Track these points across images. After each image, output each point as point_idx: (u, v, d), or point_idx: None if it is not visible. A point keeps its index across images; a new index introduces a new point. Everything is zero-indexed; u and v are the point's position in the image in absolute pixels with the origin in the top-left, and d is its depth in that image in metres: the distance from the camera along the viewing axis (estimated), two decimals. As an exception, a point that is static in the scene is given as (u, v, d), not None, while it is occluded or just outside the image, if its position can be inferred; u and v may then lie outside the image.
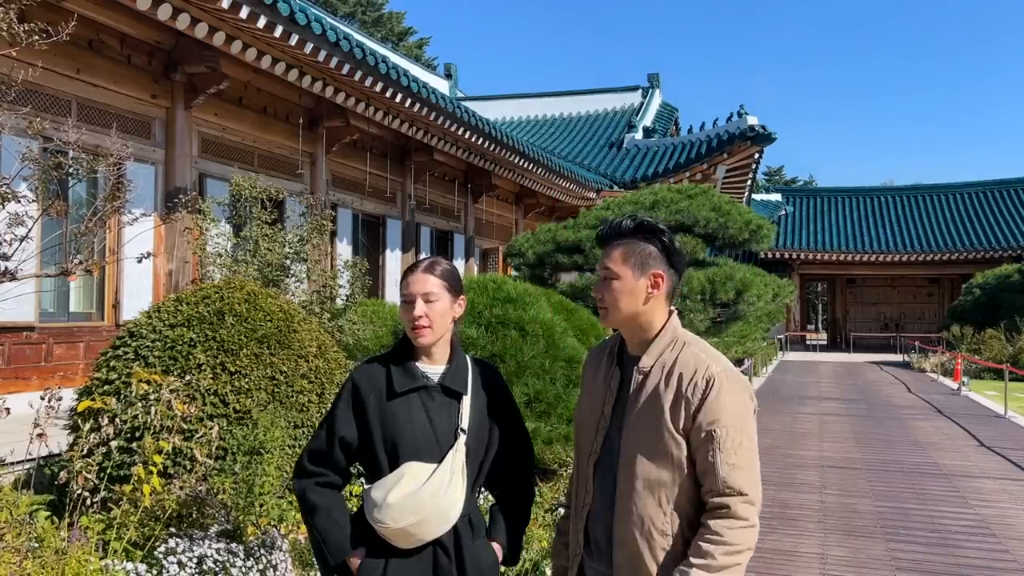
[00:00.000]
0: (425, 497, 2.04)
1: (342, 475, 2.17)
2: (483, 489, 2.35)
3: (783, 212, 34.09)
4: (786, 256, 31.49)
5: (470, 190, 16.56)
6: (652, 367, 2.01)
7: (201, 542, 3.61)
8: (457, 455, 2.11)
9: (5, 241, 4.04)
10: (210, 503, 3.96)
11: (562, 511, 2.35)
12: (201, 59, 8.73)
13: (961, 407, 13.76)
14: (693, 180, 18.73)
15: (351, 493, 4.73)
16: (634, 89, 28.81)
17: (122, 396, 4.21)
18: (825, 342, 36.46)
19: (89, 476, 3.69)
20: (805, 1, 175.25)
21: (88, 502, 3.69)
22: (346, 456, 2.15)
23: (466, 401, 2.16)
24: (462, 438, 2.12)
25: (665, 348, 2.02)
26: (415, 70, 20.05)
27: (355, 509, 2.23)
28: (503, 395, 2.27)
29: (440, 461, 2.09)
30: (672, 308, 2.10)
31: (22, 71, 4.37)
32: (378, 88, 10.13)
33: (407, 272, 2.19)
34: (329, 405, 2.18)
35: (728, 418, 1.91)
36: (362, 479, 3.14)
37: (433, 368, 2.18)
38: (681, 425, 1.92)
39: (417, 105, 11.07)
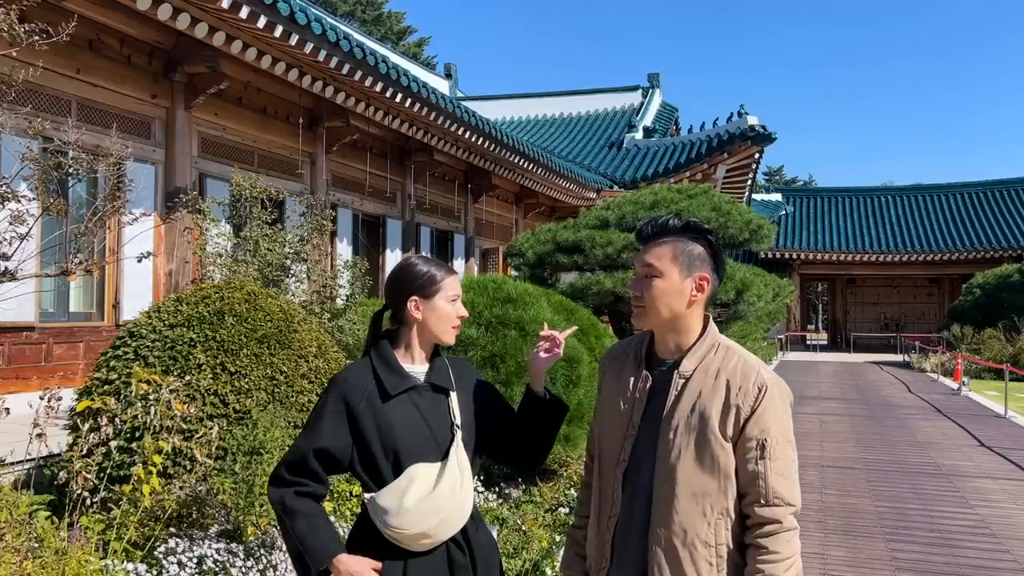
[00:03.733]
0: (443, 498, 2.03)
1: (322, 485, 2.12)
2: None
3: (783, 212, 34.07)
4: (786, 256, 31.47)
5: (470, 190, 16.55)
6: (694, 371, 1.95)
7: (201, 542, 3.61)
8: (460, 451, 2.11)
9: (5, 240, 4.04)
10: (210, 503, 3.96)
11: (573, 519, 2.31)
12: (201, 59, 8.72)
13: (961, 407, 13.76)
14: (693, 180, 18.72)
15: (351, 493, 4.73)
16: (634, 89, 28.79)
17: (122, 396, 4.21)
18: (825, 342, 36.44)
19: (89, 476, 3.68)
20: (805, 4, 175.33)
21: (88, 502, 3.69)
22: (327, 467, 2.10)
23: (454, 396, 2.18)
24: (459, 434, 2.13)
25: (707, 352, 1.96)
26: (415, 70, 20.05)
27: (356, 510, 2.22)
28: (481, 382, 2.31)
29: (443, 459, 2.08)
30: (707, 312, 2.04)
31: (22, 71, 4.36)
32: (378, 88, 10.13)
33: (449, 271, 2.21)
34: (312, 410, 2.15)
35: (777, 427, 1.90)
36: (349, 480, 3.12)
37: (417, 368, 2.18)
38: (729, 433, 1.88)
39: (417, 105, 11.07)
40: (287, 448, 4.37)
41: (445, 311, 2.17)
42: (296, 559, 2.09)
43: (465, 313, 2.23)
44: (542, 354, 2.22)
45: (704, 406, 1.90)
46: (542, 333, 2.24)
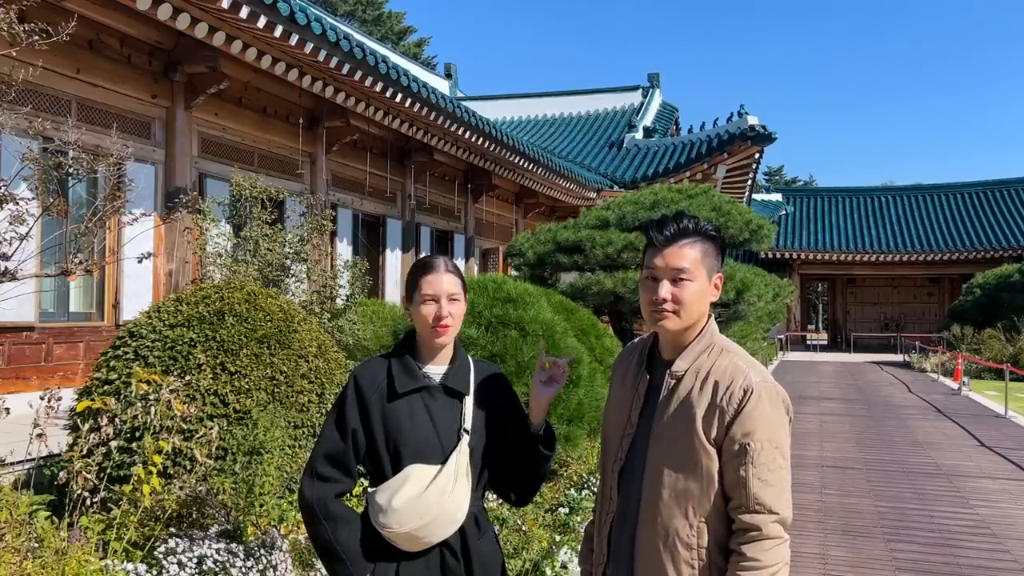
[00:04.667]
0: (431, 500, 2.02)
1: (353, 479, 2.13)
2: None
3: (783, 212, 34.07)
4: (786, 256, 31.48)
5: (470, 190, 16.55)
6: (686, 372, 1.93)
7: (201, 542, 3.61)
8: (461, 456, 2.09)
9: (5, 240, 4.04)
10: (210, 503, 3.95)
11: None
12: (201, 59, 8.72)
13: (961, 407, 13.76)
14: (693, 180, 18.72)
15: (351, 494, 4.72)
16: (634, 89, 28.80)
17: (122, 396, 4.21)
18: (825, 342, 36.44)
19: (89, 476, 3.68)
20: (806, 7, 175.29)
21: (88, 502, 3.69)
22: (357, 455, 2.10)
23: (468, 401, 2.14)
24: (465, 439, 2.10)
25: (701, 353, 1.95)
26: (415, 70, 20.05)
27: (358, 509, 2.21)
28: (507, 393, 2.24)
29: (443, 462, 2.07)
30: (710, 313, 2.02)
31: (22, 71, 4.36)
32: (378, 88, 10.13)
33: (425, 270, 2.13)
34: (330, 406, 2.12)
35: (763, 432, 1.84)
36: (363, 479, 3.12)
37: (435, 368, 2.16)
38: (713, 435, 1.86)
39: (417, 105, 11.07)
40: (287, 448, 4.37)
41: (418, 313, 2.12)
42: (330, 563, 2.08)
43: (444, 315, 2.09)
44: (543, 385, 2.12)
45: (691, 406, 1.89)
46: (541, 359, 2.14)
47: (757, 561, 1.80)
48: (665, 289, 1.92)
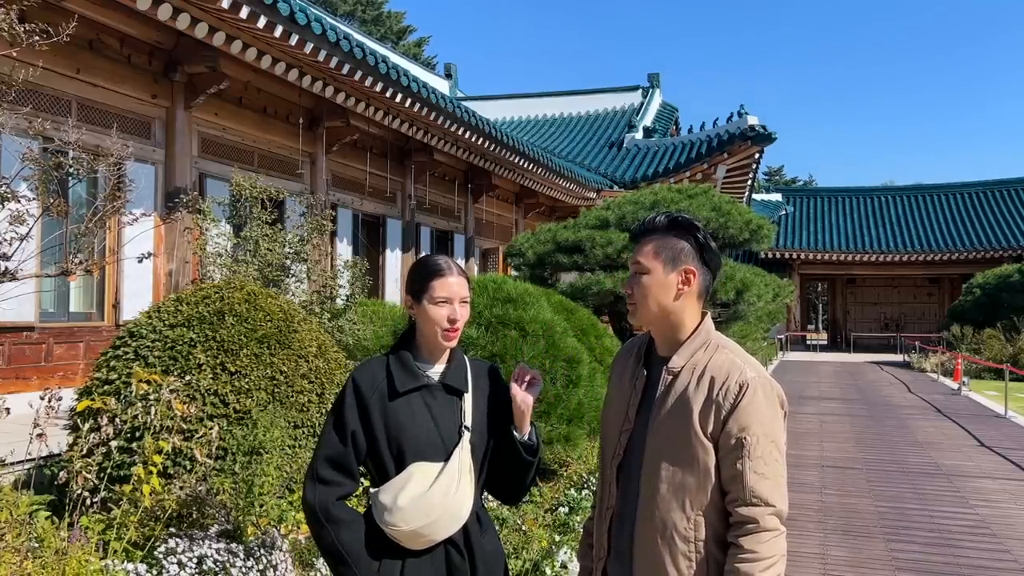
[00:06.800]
0: (435, 498, 2.03)
1: (355, 481, 2.13)
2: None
3: (783, 212, 34.08)
4: (786, 256, 31.48)
5: (470, 190, 16.55)
6: (682, 368, 1.96)
7: (201, 542, 3.61)
8: (463, 454, 2.10)
9: (5, 240, 4.04)
10: (210, 503, 3.95)
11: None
12: (201, 59, 8.72)
13: (961, 407, 13.76)
14: (693, 180, 18.73)
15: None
16: (634, 89, 28.80)
17: (122, 396, 4.21)
18: (825, 342, 36.43)
19: (89, 476, 3.68)
20: (805, 3, 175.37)
21: (88, 502, 3.69)
22: (358, 456, 2.11)
23: (468, 399, 2.16)
24: (467, 436, 2.11)
25: (697, 349, 1.98)
26: (415, 70, 20.05)
27: (361, 509, 2.21)
28: (504, 390, 2.26)
29: (446, 460, 2.08)
30: (705, 310, 2.05)
31: (22, 71, 4.36)
32: (378, 88, 10.13)
33: (436, 272, 2.14)
34: (330, 406, 2.11)
35: (759, 426, 1.87)
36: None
37: (434, 367, 2.17)
38: (710, 430, 1.88)
39: (417, 105, 11.07)
40: (287, 448, 4.37)
41: (428, 314, 2.12)
42: (335, 566, 2.08)
43: (457, 317, 2.12)
44: (519, 391, 2.14)
45: (687, 402, 1.92)
46: (518, 370, 2.17)
47: (754, 553, 1.82)
48: (628, 284, 2.04)
